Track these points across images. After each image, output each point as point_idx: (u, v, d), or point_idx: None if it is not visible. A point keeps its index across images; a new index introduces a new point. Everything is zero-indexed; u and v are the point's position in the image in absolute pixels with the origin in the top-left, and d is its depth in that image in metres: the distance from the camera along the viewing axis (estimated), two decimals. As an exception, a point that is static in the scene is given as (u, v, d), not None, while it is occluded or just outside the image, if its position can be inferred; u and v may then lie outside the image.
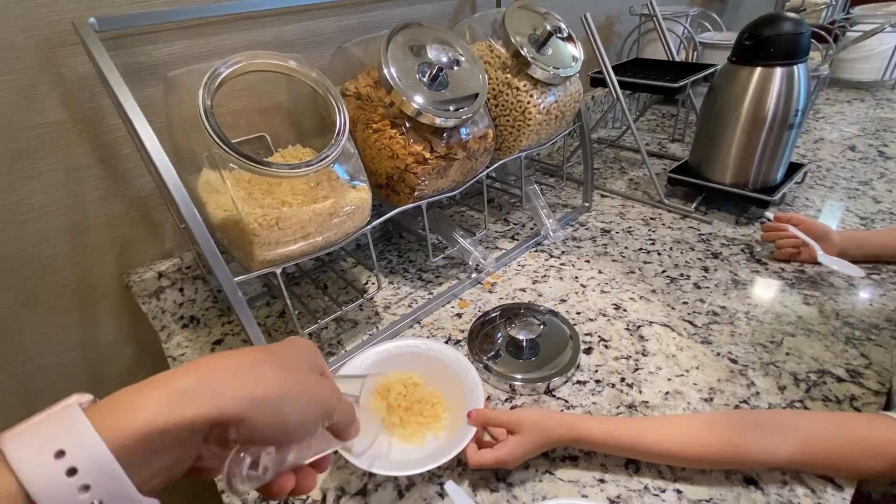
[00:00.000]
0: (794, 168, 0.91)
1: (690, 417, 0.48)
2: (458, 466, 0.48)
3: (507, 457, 0.45)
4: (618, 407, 0.53)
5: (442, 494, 0.46)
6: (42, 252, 0.59)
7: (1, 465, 0.18)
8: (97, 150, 0.60)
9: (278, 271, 0.53)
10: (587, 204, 0.94)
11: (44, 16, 0.51)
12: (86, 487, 0.18)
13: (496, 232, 0.90)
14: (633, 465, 0.47)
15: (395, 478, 0.48)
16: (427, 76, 0.59)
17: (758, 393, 0.53)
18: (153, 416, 0.20)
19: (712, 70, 0.95)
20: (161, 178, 0.46)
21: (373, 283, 0.78)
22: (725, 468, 0.45)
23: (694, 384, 0.55)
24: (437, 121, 0.58)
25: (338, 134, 0.50)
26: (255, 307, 0.76)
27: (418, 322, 0.69)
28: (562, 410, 0.54)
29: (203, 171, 0.52)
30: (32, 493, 0.17)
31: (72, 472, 0.18)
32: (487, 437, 0.49)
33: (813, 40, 1.12)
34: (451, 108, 0.60)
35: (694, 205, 0.90)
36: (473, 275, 0.76)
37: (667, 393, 0.54)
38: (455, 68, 0.61)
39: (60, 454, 0.18)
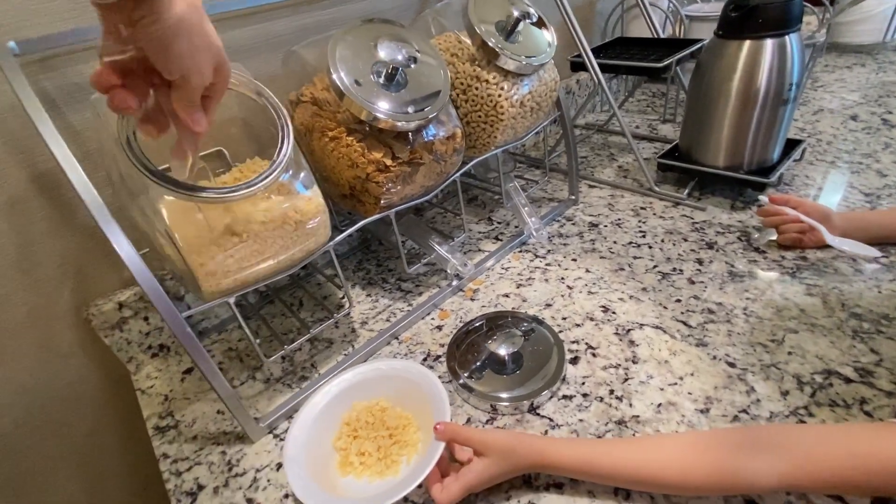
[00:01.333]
0: (791, 145, 0.85)
1: (673, 438, 0.44)
2: (435, 501, 0.45)
3: (474, 481, 0.42)
4: (606, 423, 0.49)
5: (417, 534, 0.43)
6: (-11, 293, 0.56)
7: None
8: (38, 181, 0.56)
9: (232, 301, 0.49)
10: (573, 197, 0.89)
11: (-43, 41, 0.47)
12: None
13: (479, 233, 0.85)
14: (622, 491, 0.43)
15: (368, 516, 0.45)
16: (382, 76, 0.55)
17: (758, 400, 0.49)
18: None
19: (698, 46, 0.90)
20: (90, 212, 0.42)
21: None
22: (715, 494, 0.41)
23: (689, 393, 0.51)
24: (398, 125, 0.54)
25: (279, 151, 0.45)
26: (226, 330, 0.72)
27: (396, 338, 0.66)
28: (545, 431, 0.50)
29: (140, 199, 0.48)
30: None
31: None
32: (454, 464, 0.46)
33: (808, 4, 1.05)
34: (412, 109, 0.55)
35: (686, 191, 0.85)
36: (454, 283, 0.72)
37: (659, 405, 0.50)
38: (413, 66, 0.56)
39: None
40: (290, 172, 0.49)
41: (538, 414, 0.52)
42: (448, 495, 0.41)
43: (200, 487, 0.50)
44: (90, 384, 0.67)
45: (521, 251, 0.79)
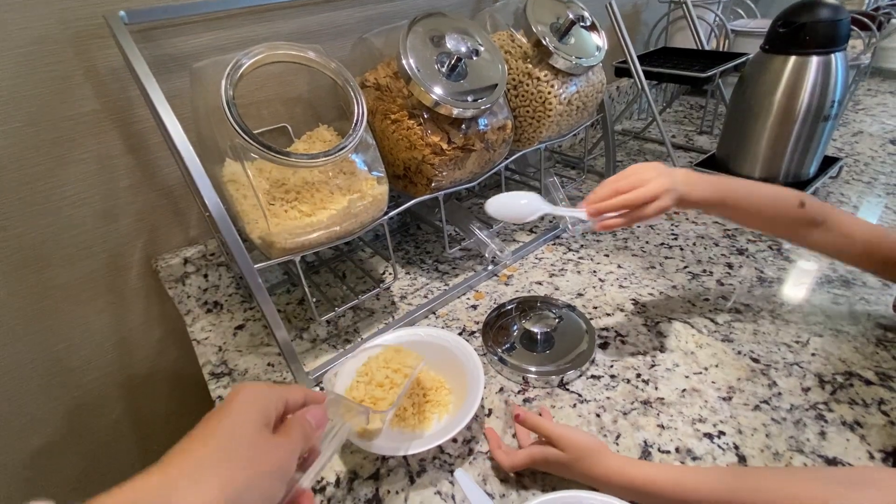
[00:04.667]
0: (829, 162, 0.87)
1: (770, 469, 0.44)
2: (469, 455, 0.49)
3: (540, 458, 0.44)
4: (632, 403, 0.53)
5: (452, 482, 0.47)
6: (76, 238, 0.62)
7: None
8: (127, 140, 0.62)
9: (297, 259, 0.54)
10: (608, 197, 0.92)
11: (77, 9, 0.53)
12: None
13: (514, 224, 0.89)
14: (645, 461, 0.46)
15: (407, 463, 0.49)
16: (446, 66, 0.59)
17: (779, 394, 0.52)
18: None
19: (743, 59, 0.92)
20: (186, 167, 0.47)
21: (390, 274, 0.78)
22: None
23: (712, 382, 0.54)
24: (455, 111, 0.58)
25: (355, 124, 0.50)
26: (275, 294, 0.78)
27: (433, 312, 0.70)
28: (574, 405, 0.53)
29: (227, 162, 0.54)
30: None
31: None
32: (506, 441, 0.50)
33: (855, 28, 1.06)
34: (470, 98, 0.59)
35: (720, 199, 0.87)
36: (490, 267, 0.76)
37: (683, 390, 0.53)
38: (474, 58, 0.60)
39: None
40: (359, 150, 0.54)
41: (567, 389, 0.55)
42: (511, 461, 0.45)
43: (254, 427, 0.55)
44: (150, 332, 0.73)
45: (554, 244, 0.82)
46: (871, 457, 0.45)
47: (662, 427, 0.50)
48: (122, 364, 0.72)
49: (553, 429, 0.44)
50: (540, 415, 0.50)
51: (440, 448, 0.50)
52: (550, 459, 0.44)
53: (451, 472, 0.47)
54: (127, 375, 0.73)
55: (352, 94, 0.51)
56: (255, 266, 0.51)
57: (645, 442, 0.49)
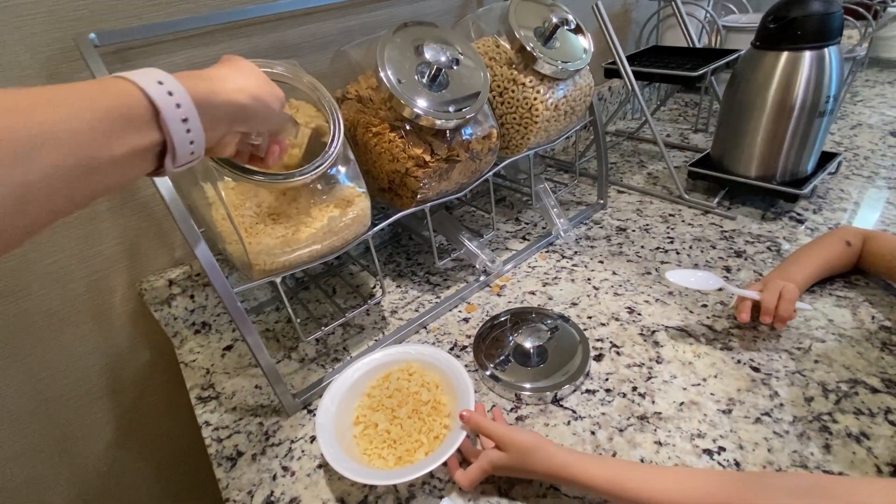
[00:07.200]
0: (827, 158, 0.85)
1: (708, 472, 0.43)
2: (460, 480, 0.47)
3: (488, 468, 0.44)
4: (628, 418, 0.51)
5: (442, 508, 0.45)
6: (57, 263, 0.61)
7: (123, 82, 0.26)
8: (105, 163, 0.61)
9: (278, 280, 0.53)
10: (602, 201, 0.90)
11: (47, 33, 0.52)
12: (178, 105, 0.28)
13: (507, 232, 0.87)
14: (642, 481, 0.44)
15: (396, 490, 0.47)
16: (426, 77, 0.57)
17: (781, 405, 0.50)
18: (209, 90, 0.31)
19: (735, 56, 0.90)
20: (161, 195, 0.46)
21: (380, 289, 0.77)
22: None
23: (711, 394, 0.52)
24: (437, 123, 0.57)
25: (331, 141, 0.49)
26: (264, 312, 0.76)
27: (425, 327, 0.68)
28: (568, 422, 0.52)
29: (207, 184, 0.52)
30: (153, 98, 0.26)
31: (170, 94, 0.27)
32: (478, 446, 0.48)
33: (850, 18, 1.04)
34: (452, 108, 0.58)
35: (716, 200, 0.85)
36: (482, 278, 0.74)
37: (682, 403, 0.52)
38: (455, 67, 0.59)
39: (161, 83, 0.27)
40: (339, 165, 0.53)
41: (561, 405, 0.54)
42: (468, 478, 0.44)
43: (240, 454, 0.54)
44: (137, 355, 0.72)
45: (547, 251, 0.81)
46: (879, 470, 0.43)
47: (660, 444, 0.48)
48: (111, 389, 0.71)
49: (493, 429, 0.45)
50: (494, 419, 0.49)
51: (430, 473, 0.48)
52: (497, 464, 0.44)
53: (441, 497, 0.46)
54: (116, 401, 0.72)
55: (326, 109, 0.50)
56: (236, 290, 0.50)
57: (642, 460, 0.47)
